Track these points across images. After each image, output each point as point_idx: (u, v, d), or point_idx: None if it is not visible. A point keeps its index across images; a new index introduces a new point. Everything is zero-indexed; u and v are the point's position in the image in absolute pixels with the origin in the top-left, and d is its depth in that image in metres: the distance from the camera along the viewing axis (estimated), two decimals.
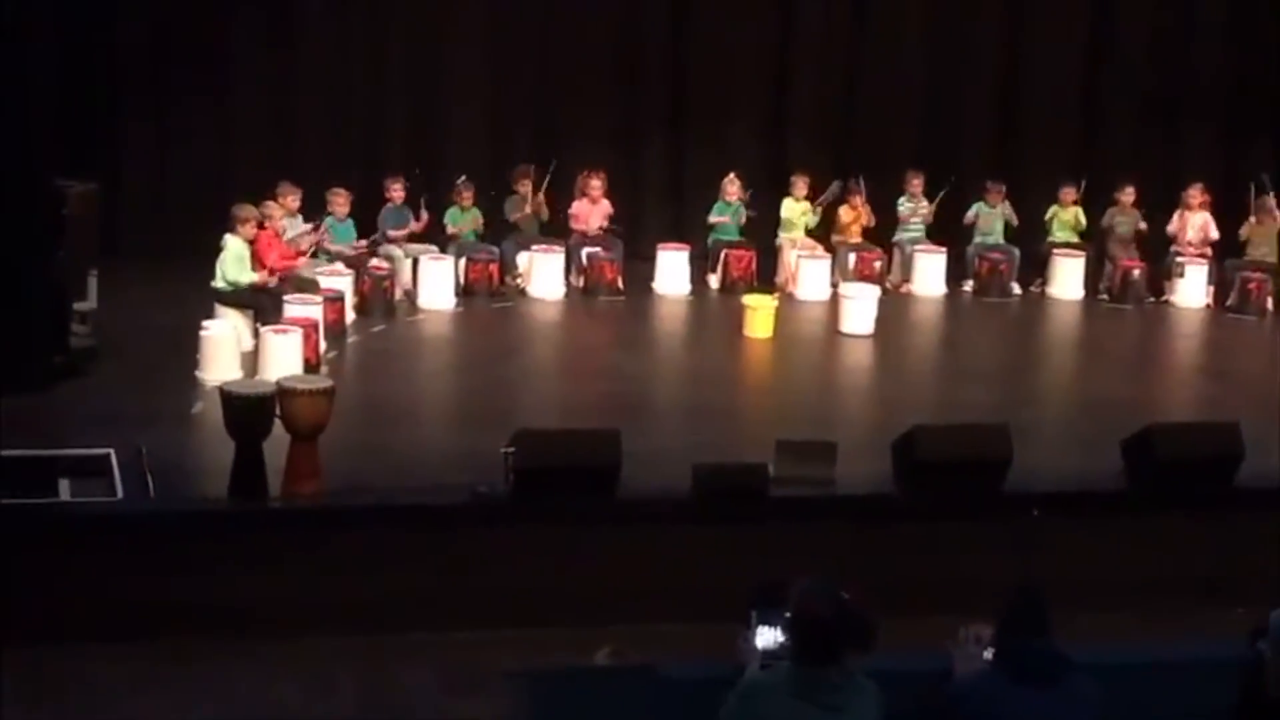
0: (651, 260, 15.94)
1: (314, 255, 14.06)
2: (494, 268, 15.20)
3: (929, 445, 9.92)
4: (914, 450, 9.93)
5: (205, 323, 12.20)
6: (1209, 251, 16.51)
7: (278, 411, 9.41)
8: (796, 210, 16.28)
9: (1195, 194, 16.57)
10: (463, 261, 15.15)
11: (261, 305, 12.61)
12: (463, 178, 15.44)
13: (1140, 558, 9.74)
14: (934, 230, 16.64)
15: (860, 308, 14.36)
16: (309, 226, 14.11)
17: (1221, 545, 9.89)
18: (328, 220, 14.44)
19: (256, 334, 12.35)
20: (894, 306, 15.27)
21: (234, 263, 12.65)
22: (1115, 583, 9.48)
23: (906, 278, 16.41)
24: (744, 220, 16.19)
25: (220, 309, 12.71)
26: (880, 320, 14.37)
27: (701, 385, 12.82)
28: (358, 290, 14.19)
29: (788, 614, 5.12)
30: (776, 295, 14.69)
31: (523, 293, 15.36)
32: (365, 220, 14.97)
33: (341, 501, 9.41)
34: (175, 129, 15.86)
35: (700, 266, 16.07)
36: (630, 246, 16.00)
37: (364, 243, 14.68)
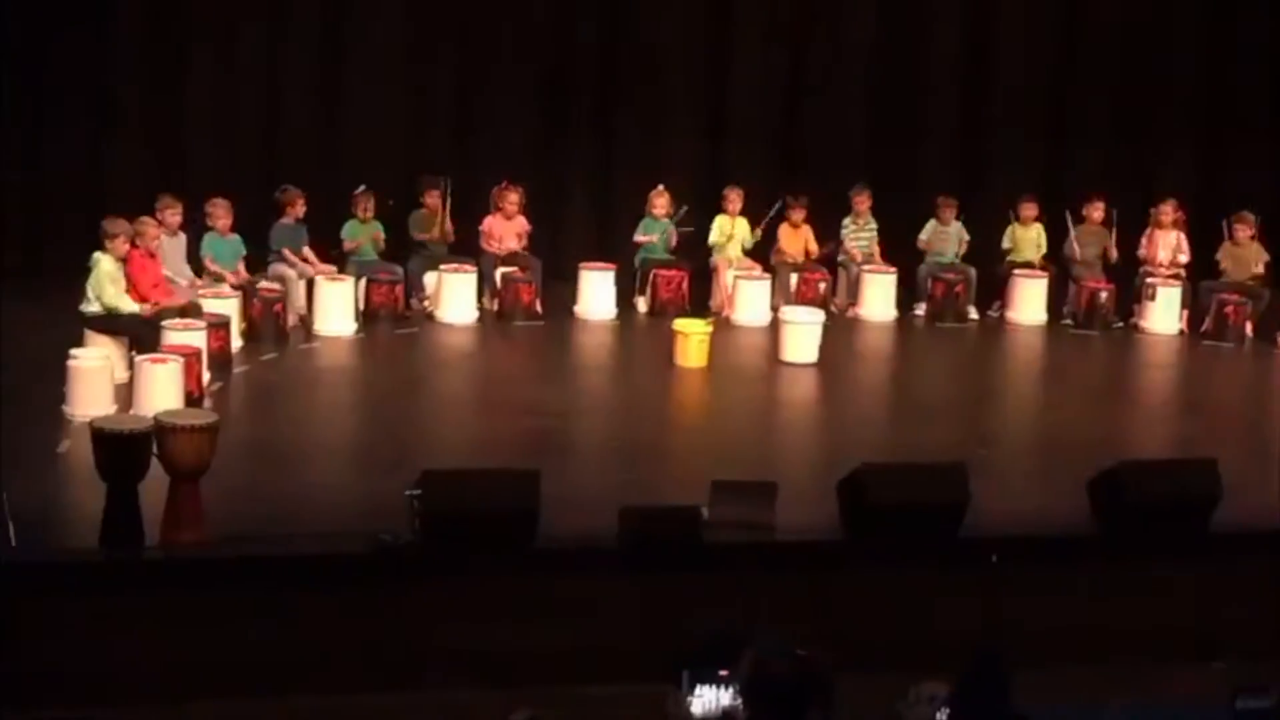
0: (573, 281, 15.96)
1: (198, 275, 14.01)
2: (399, 290, 15.18)
3: (878, 486, 9.93)
4: (862, 492, 9.94)
5: (74, 351, 12.07)
6: (1182, 273, 16.70)
7: (155, 450, 9.31)
8: (732, 228, 16.34)
9: (1167, 211, 16.79)
10: (363, 283, 15.11)
11: (137, 332, 12.49)
12: (362, 187, 15.42)
13: (1109, 608, 9.77)
14: (884, 250, 16.76)
15: (803, 334, 14.40)
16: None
17: (1198, 594, 9.94)
18: (208, 237, 14.36)
19: (131, 364, 12.23)
20: (840, 332, 15.34)
21: (107, 284, 12.53)
22: (1082, 636, 9.50)
23: (854, 300, 16.51)
24: (675, 240, 16.23)
25: (91, 335, 12.59)
26: (825, 348, 14.42)
27: (629, 420, 12.81)
28: (245, 315, 14.11)
29: (741, 675, 5.11)
30: (711, 320, 14.70)
31: (430, 317, 15.35)
32: (256, 238, 14.90)
33: (226, 551, 9.30)
34: (46, 136, 15.74)
35: (627, 288, 16.10)
36: (549, 266, 16.01)
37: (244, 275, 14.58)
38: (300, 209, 15.04)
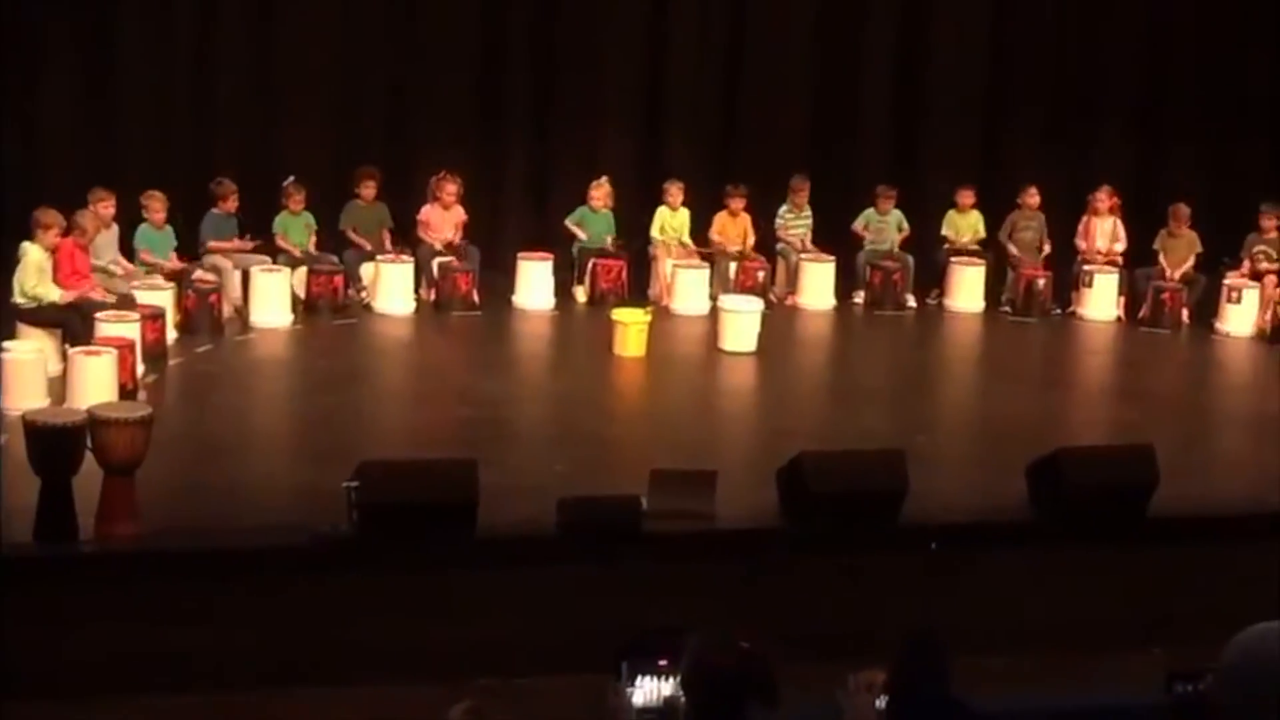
0: (511, 271, 15.92)
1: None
2: (338, 280, 15.10)
3: (818, 474, 9.94)
4: (801, 479, 9.96)
5: (5, 344, 11.98)
6: (1119, 260, 16.80)
7: (89, 443, 9.25)
8: (671, 218, 16.35)
9: (1103, 198, 16.89)
10: (301, 273, 15.04)
11: (70, 324, 12.40)
12: (291, 179, 15.34)
13: (1047, 594, 9.82)
14: (821, 238, 16.80)
15: (742, 322, 14.42)
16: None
17: (1135, 580, 10.01)
18: (141, 229, 14.27)
19: (64, 356, 12.15)
20: (779, 321, 15.37)
21: (33, 274, 12.45)
22: (1020, 622, 9.55)
23: (792, 289, 16.53)
24: (613, 239, 16.21)
25: (22, 328, 12.51)
26: (764, 336, 14.44)
27: (567, 409, 12.81)
28: (180, 306, 14.03)
29: (682, 666, 5.10)
30: (649, 309, 14.70)
31: (367, 308, 15.29)
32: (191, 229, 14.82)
33: (162, 545, 9.25)
34: None
35: (565, 278, 16.08)
36: (487, 256, 15.96)
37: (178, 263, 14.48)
38: (233, 203, 14.93)
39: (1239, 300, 16.16)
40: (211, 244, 14.82)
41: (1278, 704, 3.42)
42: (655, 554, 9.61)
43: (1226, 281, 16.32)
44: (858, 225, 16.83)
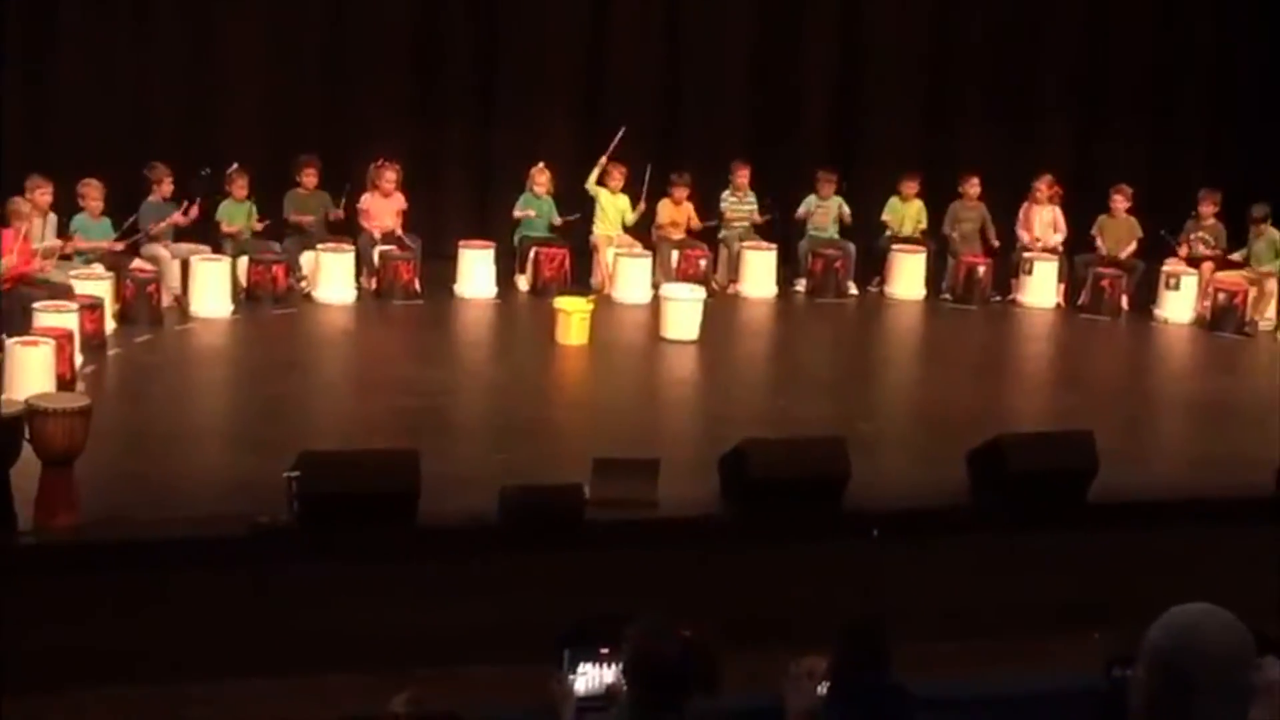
0: (452, 260, 15.89)
1: (64, 258, 13.80)
2: (280, 269, 15.02)
3: (760, 462, 9.98)
4: (744, 467, 9.99)
5: None
6: (1059, 247, 16.90)
7: (27, 435, 9.19)
8: (612, 204, 16.35)
9: (1043, 186, 16.97)
10: (243, 262, 14.96)
11: (6, 313, 12.31)
12: (234, 165, 15.26)
13: (988, 580, 9.86)
14: (762, 226, 16.83)
15: (684, 310, 14.44)
16: (58, 243, 13.80)
17: (1075, 565, 10.07)
18: (78, 218, 14.16)
19: (1, 346, 12.05)
20: (721, 309, 15.40)
21: None
22: (961, 608, 9.58)
23: (734, 277, 16.56)
24: (558, 220, 16.20)
25: None
26: (706, 324, 14.46)
27: (509, 399, 12.79)
28: (119, 296, 13.93)
29: (624, 653, 5.10)
30: (592, 298, 14.70)
31: (308, 297, 15.22)
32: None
33: (101, 535, 9.20)
34: None
35: (507, 266, 16.05)
36: (428, 245, 15.93)
37: (120, 244, 14.36)
38: (168, 187, 14.83)
39: (1177, 287, 16.29)
40: (151, 226, 14.68)
41: (1199, 684, 3.46)
42: (598, 542, 9.61)
43: (1165, 268, 16.44)
44: (800, 212, 16.86)
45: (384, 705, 6.18)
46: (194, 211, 14.96)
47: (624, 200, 16.38)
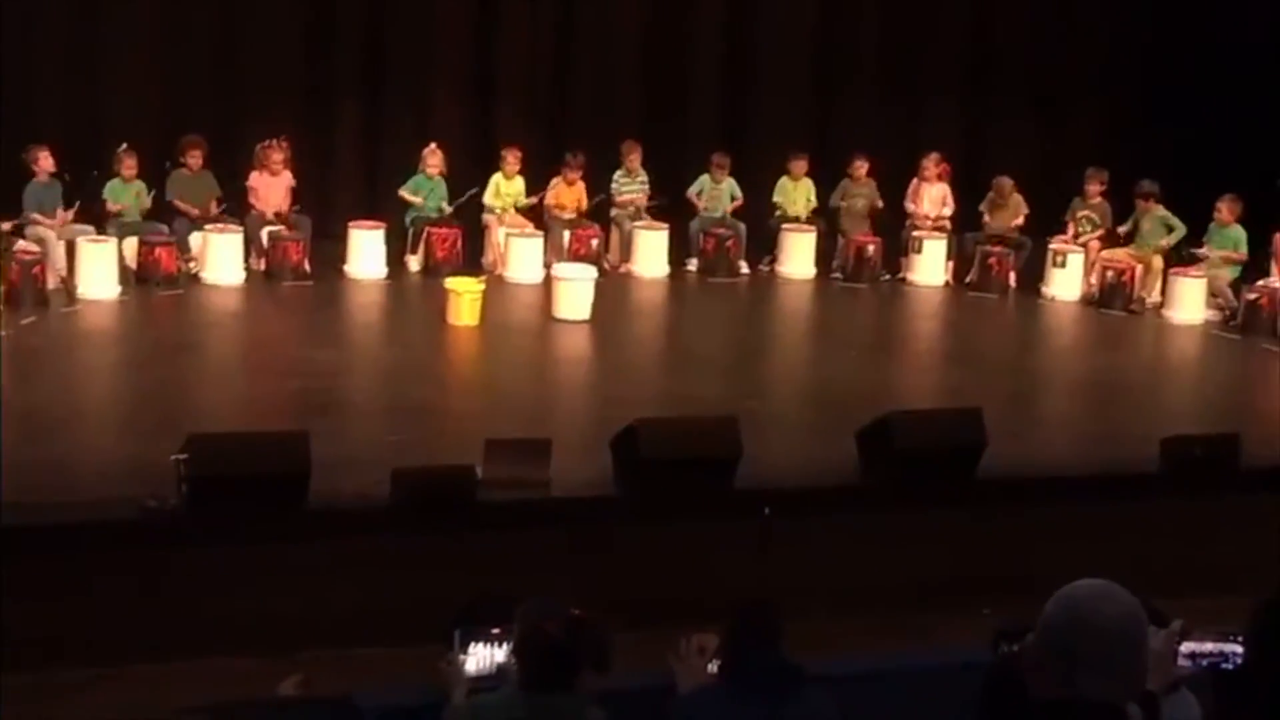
0: (342, 240, 15.79)
1: None
2: (169, 250, 14.83)
3: (651, 441, 9.98)
4: (635, 447, 9.99)
5: None
6: (947, 225, 17.03)
7: None
8: (507, 187, 16.30)
9: (931, 165, 17.10)
10: (130, 243, 14.78)
11: None
12: (124, 145, 15.07)
13: (879, 557, 9.93)
14: (655, 207, 16.85)
15: (576, 291, 14.43)
16: None
17: (965, 541, 10.17)
18: None
19: None
20: (613, 289, 15.40)
21: None
22: (852, 585, 9.65)
23: (626, 257, 16.58)
24: (446, 203, 16.12)
25: None
26: (598, 304, 14.46)
27: (401, 380, 12.72)
28: (3, 278, 13.72)
29: (514, 634, 5.09)
30: (483, 278, 14.67)
31: (196, 278, 15.07)
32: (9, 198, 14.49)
33: None
34: None
35: (398, 247, 15.97)
36: (318, 225, 15.83)
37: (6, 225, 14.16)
38: (45, 162, 14.60)
39: (1064, 265, 16.47)
40: (34, 217, 14.49)
41: (1090, 657, 3.50)
42: (490, 523, 9.59)
43: (1052, 246, 16.61)
44: (692, 193, 16.89)
45: (275, 688, 6.16)
46: (68, 216, 14.73)
47: (519, 182, 16.32)
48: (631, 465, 10.04)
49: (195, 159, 15.36)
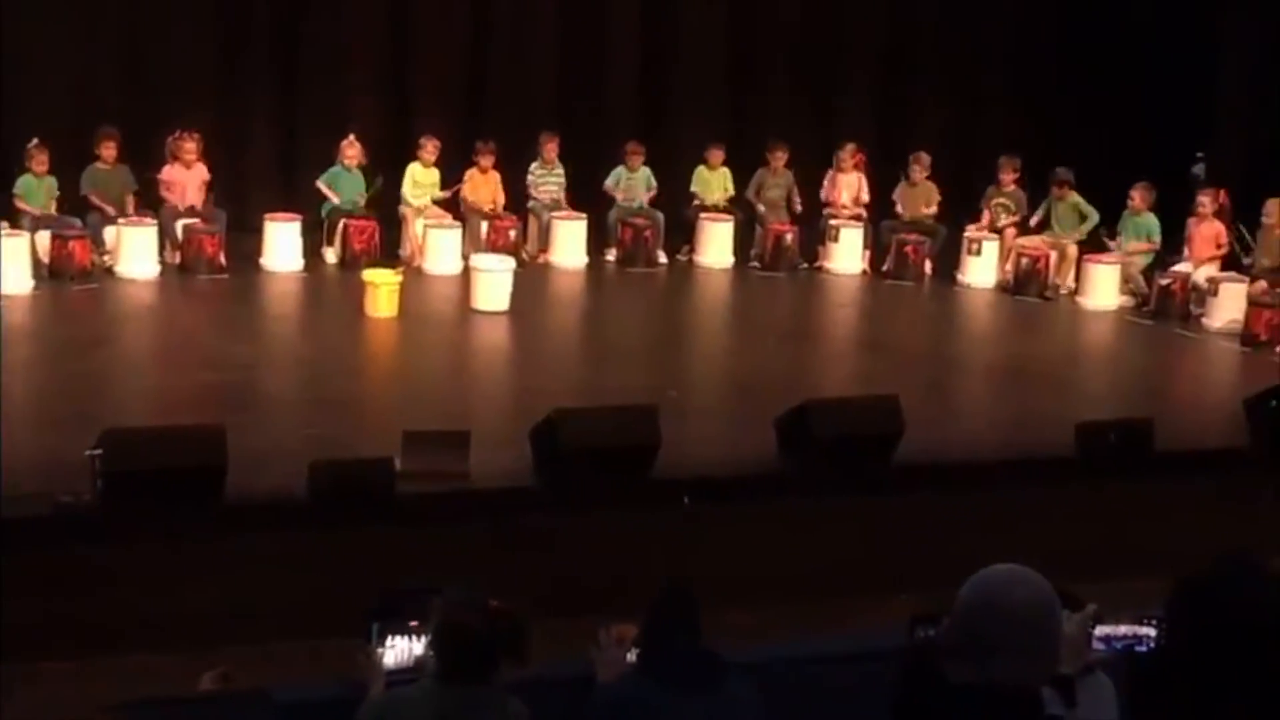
0: (258, 233, 15.67)
1: None
2: (82, 244, 14.67)
3: (571, 431, 9.99)
4: (555, 437, 10.00)
5: None
6: (864, 214, 17.10)
7: None
8: (424, 177, 16.25)
9: (847, 155, 17.17)
10: (43, 237, 14.62)
11: None
12: (35, 140, 14.90)
13: (798, 544, 9.97)
14: (573, 196, 16.83)
15: (494, 281, 14.40)
16: None
17: (882, 527, 10.22)
18: None
19: None
20: (531, 279, 15.37)
21: None
22: (772, 573, 9.69)
23: (544, 247, 16.54)
24: (365, 196, 16.04)
25: None
26: (516, 295, 14.43)
27: (318, 373, 12.65)
28: None
29: (431, 626, 5.07)
30: (401, 270, 14.60)
31: (110, 272, 14.93)
32: None
33: None
34: None
35: (314, 239, 15.87)
36: (234, 218, 15.70)
37: None
38: None
39: (979, 252, 16.57)
40: None
41: (1003, 641, 3.53)
42: (409, 516, 9.57)
43: (967, 234, 16.71)
44: (609, 184, 16.88)
45: (193, 684, 6.11)
46: None
47: (434, 172, 16.27)
48: (551, 456, 10.04)
49: (110, 152, 15.20)
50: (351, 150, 16.02)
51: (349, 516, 9.35)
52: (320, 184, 16.01)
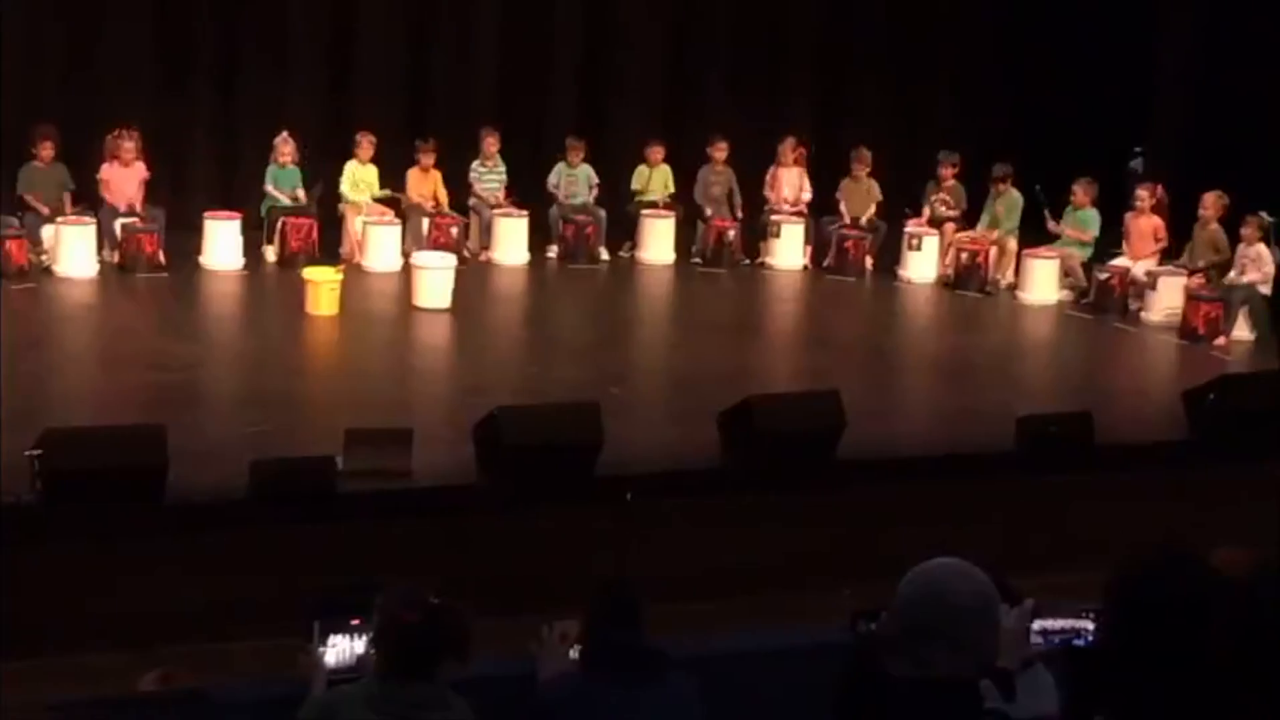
0: (198, 231, 15.58)
1: None
2: (19, 244, 14.56)
3: (513, 428, 10.00)
4: (497, 435, 10.00)
5: None
6: (805, 210, 17.15)
7: None
8: (363, 174, 16.20)
9: (788, 150, 17.20)
10: None
11: None
12: None
13: (740, 539, 10.01)
14: (514, 194, 16.81)
15: (435, 279, 14.38)
16: None
17: (825, 522, 10.25)
18: None
19: None
20: (473, 277, 15.37)
21: None
22: (714, 568, 9.72)
23: (486, 245, 16.51)
24: (302, 192, 15.98)
25: None
26: (458, 292, 14.42)
27: (259, 371, 12.62)
28: None
29: (372, 624, 5.06)
30: (341, 268, 14.57)
31: (48, 271, 14.82)
32: None
33: None
34: None
35: (254, 237, 15.80)
36: (173, 216, 15.61)
37: None
38: None
39: (920, 247, 16.64)
40: None
41: (942, 633, 3.55)
42: (351, 514, 9.55)
43: (908, 229, 16.77)
44: (550, 181, 16.85)
45: (134, 684, 6.10)
46: None
47: (372, 171, 16.23)
48: (493, 453, 10.04)
49: (46, 150, 15.09)
50: (285, 148, 15.95)
51: (290, 515, 9.33)
52: (268, 186, 15.94)
